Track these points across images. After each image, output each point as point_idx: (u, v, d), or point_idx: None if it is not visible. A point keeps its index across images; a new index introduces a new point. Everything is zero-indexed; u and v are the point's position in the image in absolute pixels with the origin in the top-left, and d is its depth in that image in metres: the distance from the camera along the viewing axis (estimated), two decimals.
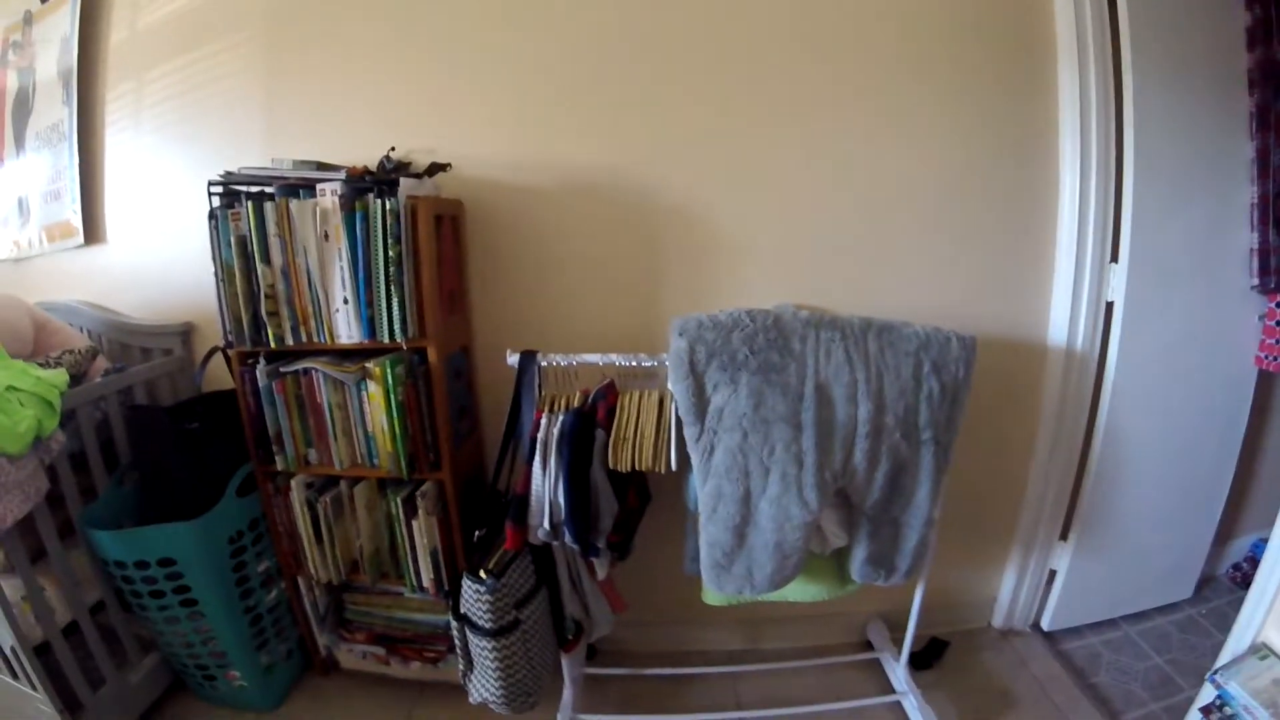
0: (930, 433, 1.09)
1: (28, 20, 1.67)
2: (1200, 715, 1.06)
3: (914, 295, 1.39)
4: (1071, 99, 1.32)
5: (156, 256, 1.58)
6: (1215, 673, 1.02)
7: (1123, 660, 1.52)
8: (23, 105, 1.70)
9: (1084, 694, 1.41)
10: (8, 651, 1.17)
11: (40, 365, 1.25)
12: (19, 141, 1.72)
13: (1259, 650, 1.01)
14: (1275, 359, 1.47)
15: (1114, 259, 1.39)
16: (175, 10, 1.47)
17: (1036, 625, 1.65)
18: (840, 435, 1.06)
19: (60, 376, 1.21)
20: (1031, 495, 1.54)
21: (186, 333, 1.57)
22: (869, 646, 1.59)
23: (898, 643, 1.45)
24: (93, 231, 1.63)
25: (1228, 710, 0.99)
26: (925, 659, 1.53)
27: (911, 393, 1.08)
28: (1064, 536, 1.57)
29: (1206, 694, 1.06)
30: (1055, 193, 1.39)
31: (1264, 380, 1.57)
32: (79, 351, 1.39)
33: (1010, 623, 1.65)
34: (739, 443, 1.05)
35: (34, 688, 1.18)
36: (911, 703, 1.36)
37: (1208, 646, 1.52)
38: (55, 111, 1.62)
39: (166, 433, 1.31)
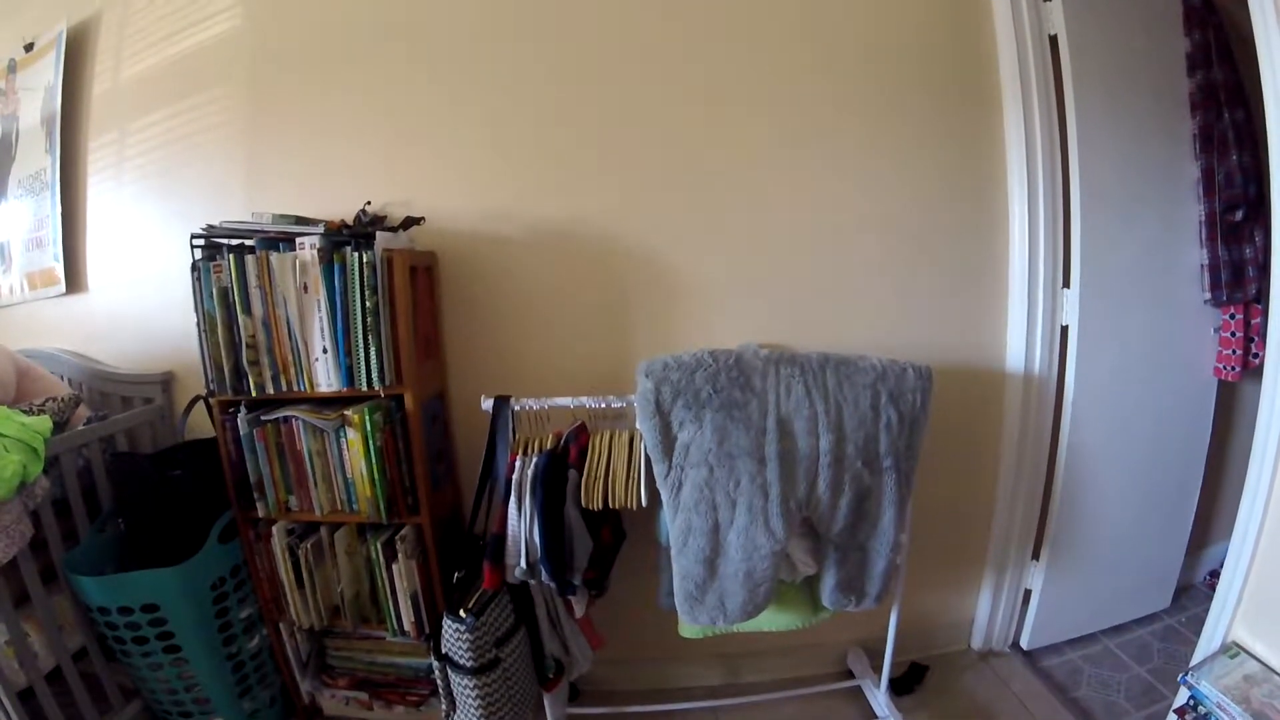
0: (891, 460, 1.13)
1: (12, 68, 1.69)
2: (1175, 717, 1.07)
3: (874, 330, 1.43)
4: (1017, 133, 1.38)
5: (137, 306, 1.60)
6: (1187, 674, 1.04)
7: (1104, 673, 1.53)
8: (5, 152, 1.72)
9: (1066, 708, 1.42)
10: None
11: (24, 412, 1.26)
12: (1, 189, 1.73)
13: (1229, 649, 1.03)
14: (1233, 369, 1.52)
15: (1066, 284, 1.43)
16: (157, 63, 1.51)
17: (1015, 644, 1.66)
18: (803, 466, 1.09)
19: (44, 423, 1.22)
20: (1000, 517, 1.56)
21: (167, 381, 1.59)
22: (850, 675, 1.59)
23: (878, 670, 1.46)
24: (74, 280, 1.64)
25: (1201, 709, 1.00)
26: (906, 684, 1.53)
27: (870, 423, 1.11)
28: (1036, 556, 1.59)
29: (1181, 696, 1.07)
30: (1005, 224, 1.43)
31: (1224, 390, 1.61)
32: (62, 399, 1.40)
33: (989, 644, 1.65)
34: (706, 477, 1.08)
35: None
36: None
37: (1188, 653, 1.51)
38: (38, 160, 1.64)
39: (150, 480, 1.32)
